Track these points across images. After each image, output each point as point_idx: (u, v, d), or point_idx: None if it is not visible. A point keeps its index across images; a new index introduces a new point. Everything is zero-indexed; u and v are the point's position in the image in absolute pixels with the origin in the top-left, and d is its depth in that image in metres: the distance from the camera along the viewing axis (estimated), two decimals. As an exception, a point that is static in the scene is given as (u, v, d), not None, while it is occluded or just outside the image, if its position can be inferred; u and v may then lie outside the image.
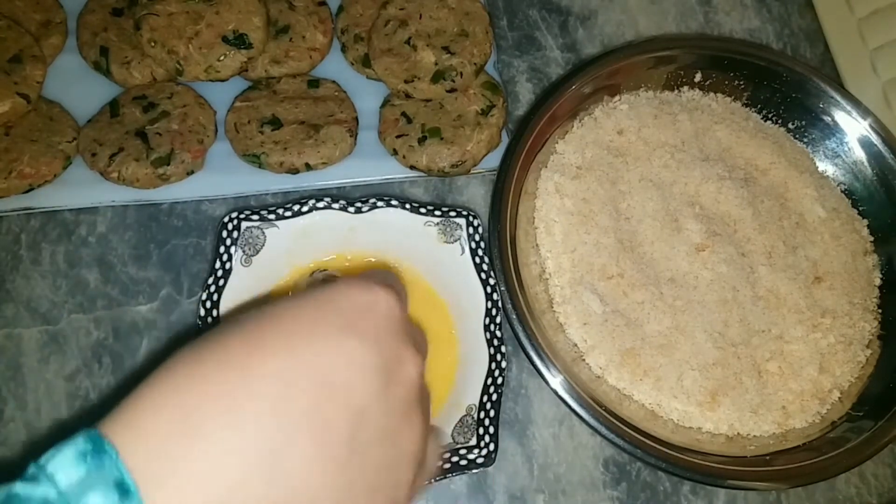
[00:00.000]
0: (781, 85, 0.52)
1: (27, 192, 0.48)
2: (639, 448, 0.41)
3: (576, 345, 0.45)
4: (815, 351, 0.46)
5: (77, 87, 0.51)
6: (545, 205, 0.48)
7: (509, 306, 0.43)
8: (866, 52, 0.56)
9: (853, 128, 0.51)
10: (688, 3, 0.61)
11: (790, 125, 0.53)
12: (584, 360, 0.45)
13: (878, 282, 0.50)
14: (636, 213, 0.48)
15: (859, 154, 0.51)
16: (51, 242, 0.48)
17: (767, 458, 0.43)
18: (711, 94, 0.53)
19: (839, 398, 0.46)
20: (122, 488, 0.21)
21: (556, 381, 0.42)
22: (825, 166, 0.52)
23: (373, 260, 0.46)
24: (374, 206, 0.45)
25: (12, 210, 0.48)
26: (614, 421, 0.41)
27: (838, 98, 0.51)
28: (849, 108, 0.51)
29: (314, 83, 0.52)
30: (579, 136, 0.50)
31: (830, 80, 0.52)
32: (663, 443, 0.42)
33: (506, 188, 0.46)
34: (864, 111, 0.51)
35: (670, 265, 0.47)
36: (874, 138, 0.50)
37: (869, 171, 0.51)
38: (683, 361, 0.45)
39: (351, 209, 0.45)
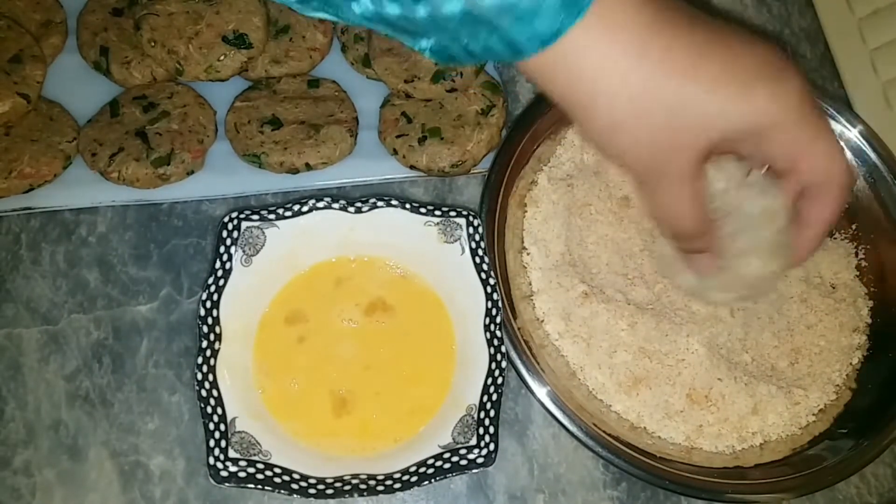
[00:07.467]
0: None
1: (27, 192, 0.48)
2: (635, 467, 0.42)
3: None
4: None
5: (77, 87, 0.51)
6: (539, 211, 0.48)
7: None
8: (866, 52, 0.56)
9: (843, 136, 0.49)
10: (687, 2, 0.60)
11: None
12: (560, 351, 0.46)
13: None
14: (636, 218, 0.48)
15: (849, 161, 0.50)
16: (51, 242, 0.48)
17: (759, 468, 0.43)
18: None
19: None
20: None
21: (542, 391, 0.42)
22: None
23: (366, 259, 0.46)
24: (374, 206, 0.45)
25: (12, 210, 0.48)
26: (603, 433, 0.42)
27: (827, 106, 0.50)
28: (838, 115, 0.50)
29: (314, 83, 0.52)
30: (578, 138, 0.50)
31: (817, 88, 0.51)
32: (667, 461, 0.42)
33: (493, 190, 0.46)
34: (854, 118, 0.50)
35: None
36: (864, 146, 0.49)
37: (860, 181, 0.50)
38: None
39: (351, 209, 0.45)
